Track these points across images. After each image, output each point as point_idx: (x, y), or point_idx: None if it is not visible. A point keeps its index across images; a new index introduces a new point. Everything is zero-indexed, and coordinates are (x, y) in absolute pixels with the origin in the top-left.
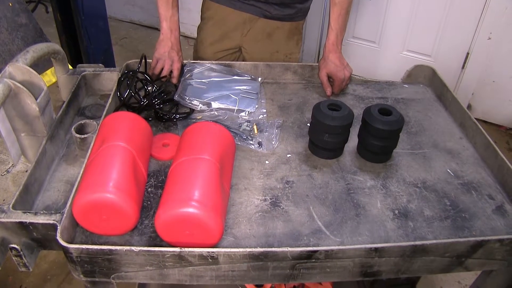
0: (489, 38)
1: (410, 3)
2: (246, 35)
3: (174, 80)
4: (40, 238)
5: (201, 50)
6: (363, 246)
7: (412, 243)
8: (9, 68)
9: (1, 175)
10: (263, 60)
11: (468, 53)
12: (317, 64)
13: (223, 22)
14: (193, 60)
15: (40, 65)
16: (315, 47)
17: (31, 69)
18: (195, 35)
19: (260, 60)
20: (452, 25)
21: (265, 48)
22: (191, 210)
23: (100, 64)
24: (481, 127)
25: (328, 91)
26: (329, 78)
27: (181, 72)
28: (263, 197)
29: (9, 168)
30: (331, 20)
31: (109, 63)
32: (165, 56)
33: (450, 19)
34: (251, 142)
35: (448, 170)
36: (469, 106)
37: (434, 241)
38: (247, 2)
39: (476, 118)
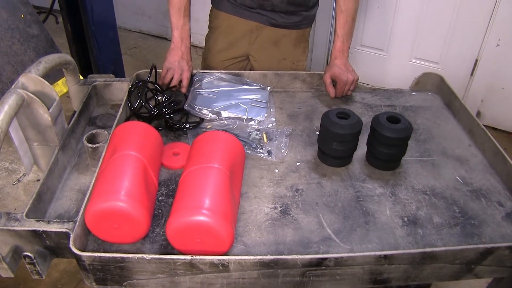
0: (498, 45)
1: (417, 11)
2: (253, 43)
3: (184, 90)
4: (53, 246)
5: (209, 58)
6: (372, 253)
7: (422, 250)
8: (22, 79)
9: (13, 184)
10: (270, 68)
11: (476, 60)
12: None
13: (230, 30)
14: (202, 68)
15: (51, 75)
16: (323, 55)
17: (43, 80)
18: (203, 44)
19: (268, 67)
20: (460, 32)
21: (273, 56)
22: (202, 218)
23: (111, 74)
24: (489, 134)
25: (331, 93)
26: (333, 81)
27: (191, 82)
28: (273, 205)
29: (20, 177)
30: (337, 27)
31: (119, 73)
32: (175, 66)
33: (458, 26)
34: (260, 150)
35: (457, 177)
36: (478, 113)
37: (444, 248)
38: (253, 11)
39: (485, 125)
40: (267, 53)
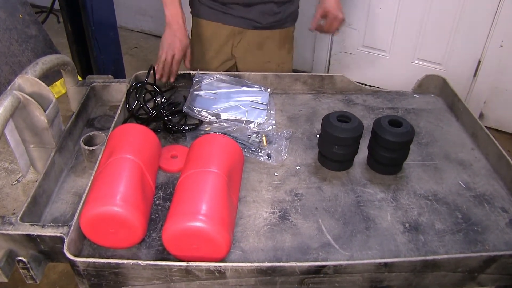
0: (501, 46)
1: (420, 12)
2: (237, 46)
3: (172, 79)
4: (48, 251)
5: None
6: (372, 261)
7: (423, 258)
8: (19, 80)
9: (12, 184)
10: (255, 71)
11: (479, 61)
12: (327, 74)
13: (213, 37)
14: None
15: (49, 76)
16: (325, 56)
17: (40, 81)
18: None
19: (253, 70)
20: (463, 33)
21: (257, 59)
22: (198, 224)
23: (110, 75)
24: (493, 138)
25: (313, 23)
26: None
27: (190, 83)
28: (271, 210)
29: (20, 177)
30: None
31: (120, 73)
32: (166, 47)
33: (461, 27)
34: (260, 154)
35: (460, 182)
36: (481, 115)
37: (446, 256)
38: (235, 14)
39: (488, 127)
40: (251, 56)
